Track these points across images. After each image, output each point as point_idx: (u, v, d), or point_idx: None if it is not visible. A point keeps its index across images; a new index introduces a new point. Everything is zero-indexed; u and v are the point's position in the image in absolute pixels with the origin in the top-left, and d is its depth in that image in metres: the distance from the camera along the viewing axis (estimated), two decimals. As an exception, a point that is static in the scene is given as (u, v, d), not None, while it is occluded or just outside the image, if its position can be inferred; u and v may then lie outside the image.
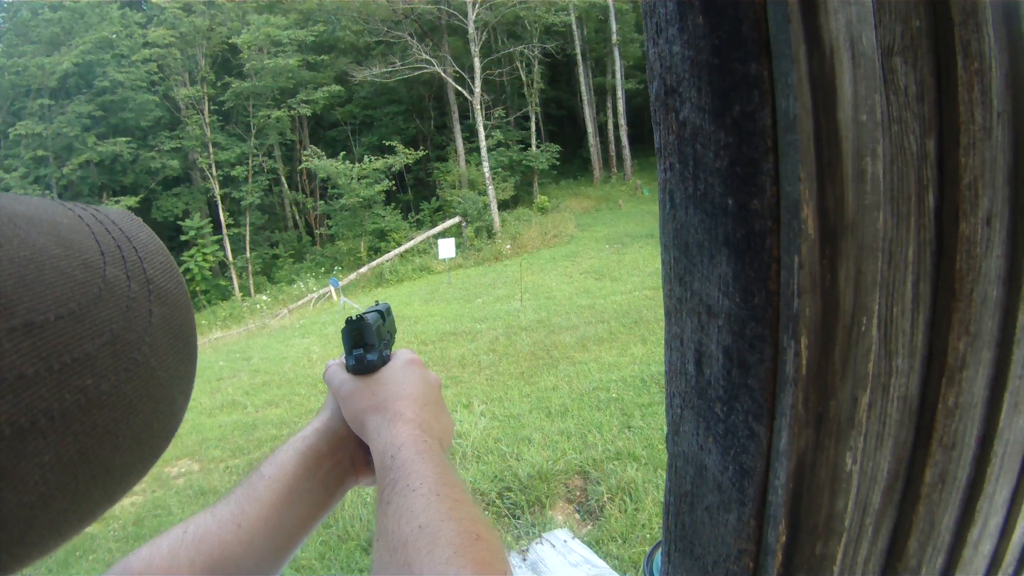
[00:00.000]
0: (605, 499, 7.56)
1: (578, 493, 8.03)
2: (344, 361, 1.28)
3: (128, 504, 10.14)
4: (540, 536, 5.41)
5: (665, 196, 0.93)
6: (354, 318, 1.25)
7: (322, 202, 47.01)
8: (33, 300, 0.53)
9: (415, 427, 1.08)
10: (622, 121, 49.61)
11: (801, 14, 0.70)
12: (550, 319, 17.10)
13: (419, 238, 37.42)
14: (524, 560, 5.09)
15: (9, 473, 0.51)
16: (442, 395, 1.27)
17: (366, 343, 1.24)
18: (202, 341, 28.41)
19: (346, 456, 1.22)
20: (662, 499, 7.13)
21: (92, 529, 9.23)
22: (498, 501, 7.92)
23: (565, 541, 5.27)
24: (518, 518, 7.56)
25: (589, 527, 7.20)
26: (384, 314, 1.40)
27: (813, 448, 0.80)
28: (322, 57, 47.70)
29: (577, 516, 7.58)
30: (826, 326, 0.76)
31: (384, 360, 1.26)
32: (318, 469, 1.18)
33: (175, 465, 11.71)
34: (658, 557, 2.45)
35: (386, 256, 36.16)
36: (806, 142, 0.71)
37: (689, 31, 0.81)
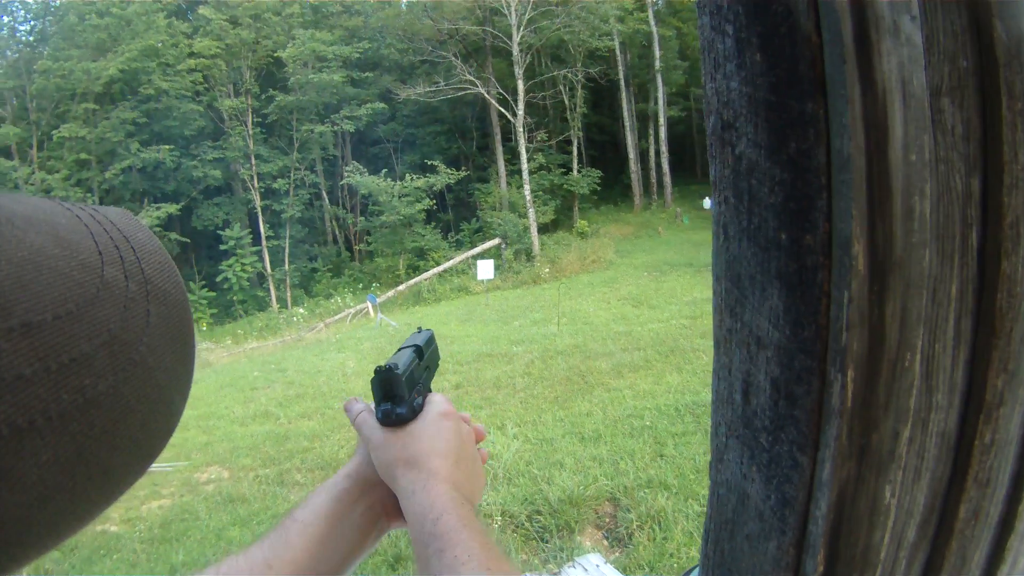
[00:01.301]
0: (634, 526, 7.53)
1: (607, 519, 8.00)
2: (371, 407, 1.27)
3: (156, 507, 10.20)
4: (573, 560, 5.39)
5: (719, 228, 0.94)
6: (384, 368, 1.21)
7: (362, 218, 47.19)
8: (31, 300, 0.53)
9: (451, 488, 1.07)
10: (663, 148, 49.53)
11: (856, 55, 0.71)
12: (586, 344, 17.04)
13: (458, 258, 37.48)
14: (556, 583, 5.07)
15: (7, 473, 0.51)
16: (475, 450, 1.26)
17: (395, 395, 1.21)
18: (237, 351, 28.59)
19: (378, 501, 1.21)
20: (692, 528, 7.11)
21: (118, 529, 9.29)
22: (527, 524, 7.89)
23: (597, 566, 5.25)
24: (546, 542, 7.54)
25: (617, 554, 7.17)
26: (423, 348, 1.37)
27: (854, 480, 0.80)
28: (366, 74, 48.00)
29: (605, 542, 7.55)
30: (872, 360, 0.76)
31: (415, 411, 1.23)
32: (351, 514, 1.18)
33: (205, 471, 11.76)
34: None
35: (425, 275, 36.24)
36: (859, 180, 0.72)
37: (747, 68, 0.83)
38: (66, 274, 0.58)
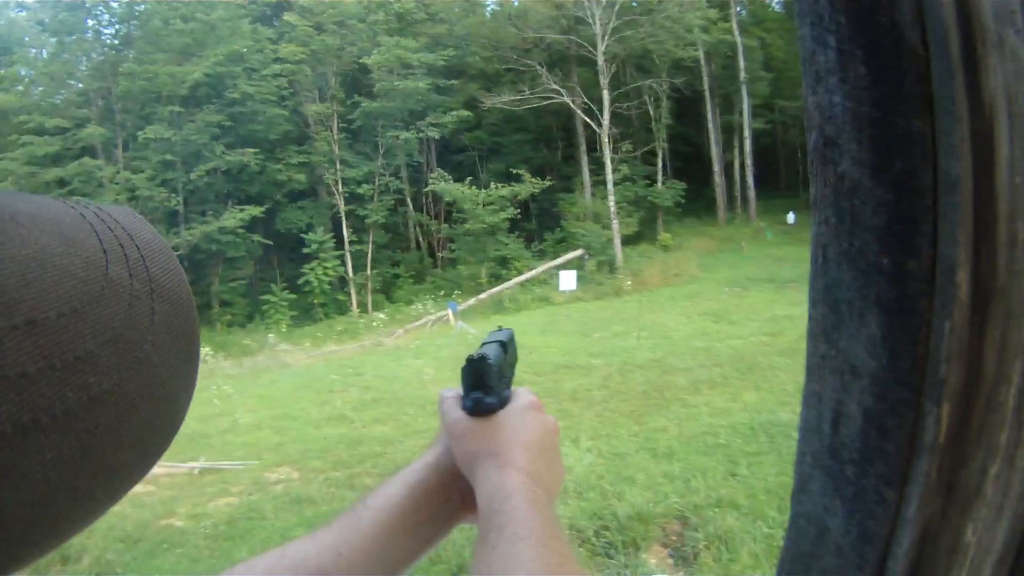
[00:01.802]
0: (701, 546, 7.51)
1: (674, 538, 7.98)
2: (459, 395, 1.24)
3: (224, 504, 10.38)
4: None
5: (818, 250, 0.91)
6: (476, 356, 1.20)
7: (446, 225, 47.57)
8: (35, 298, 0.53)
9: (526, 476, 1.06)
10: (748, 161, 49.34)
11: (964, 71, 0.68)
12: (665, 359, 17.04)
13: (541, 268, 37.62)
14: (621, 599, 5.05)
15: (11, 471, 0.51)
16: (558, 442, 1.23)
17: (485, 384, 1.19)
18: (316, 353, 29.00)
19: (456, 493, 1.19)
20: (759, 551, 7.05)
21: (182, 524, 9.45)
22: (593, 539, 7.90)
23: (664, 583, 5.22)
24: (612, 558, 7.54)
25: (681, 574, 7.14)
26: (506, 344, 1.36)
27: (939, 517, 0.78)
28: (451, 82, 48.42)
29: (670, 561, 7.52)
30: (967, 393, 0.74)
31: (503, 402, 1.21)
32: (427, 504, 1.16)
33: (275, 471, 11.96)
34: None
35: (507, 284, 36.46)
36: (966, 204, 0.69)
37: (850, 82, 0.79)
38: (70, 272, 0.58)
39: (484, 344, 1.31)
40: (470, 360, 1.20)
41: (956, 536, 0.78)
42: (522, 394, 1.26)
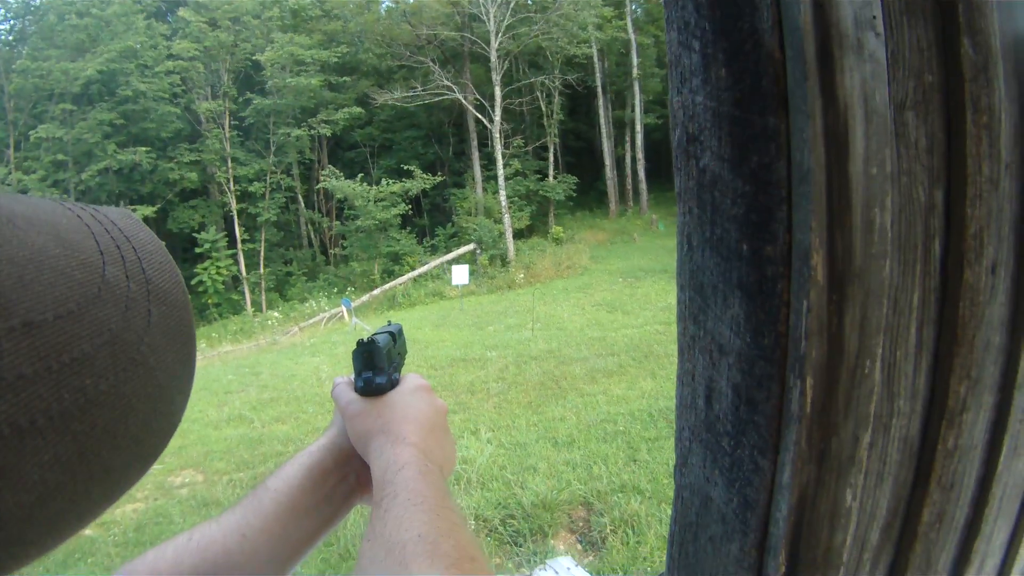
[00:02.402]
0: (608, 531, 7.53)
1: (581, 524, 8.00)
2: (353, 380, 1.29)
3: (130, 510, 10.11)
4: (544, 563, 5.39)
5: (683, 239, 0.96)
6: (365, 340, 1.26)
7: (338, 222, 46.98)
8: (32, 300, 0.53)
9: (418, 451, 1.08)
10: (640, 155, 49.54)
11: (818, 71, 0.73)
12: (560, 350, 17.02)
13: (433, 263, 37.31)
14: (528, 585, 5.08)
15: (8, 473, 0.51)
16: (447, 422, 1.27)
17: (376, 366, 1.25)
18: (212, 354, 28.38)
19: (352, 473, 1.23)
20: (665, 533, 7.11)
21: (92, 532, 9.21)
22: (501, 528, 7.89)
23: (568, 568, 5.26)
24: (520, 545, 7.53)
25: (590, 558, 7.17)
26: (396, 336, 1.41)
27: (815, 483, 0.82)
28: (344, 79, 47.82)
29: (579, 546, 7.54)
30: (831, 367, 0.78)
31: (393, 383, 1.26)
32: (324, 484, 1.19)
33: (179, 475, 11.67)
34: (659, 591, 2.47)
35: (400, 279, 36.06)
36: (818, 194, 0.74)
37: (712, 83, 0.84)
38: (67, 274, 0.58)
39: (374, 334, 1.34)
40: (360, 343, 1.25)
41: (835, 501, 0.83)
42: (412, 377, 1.30)
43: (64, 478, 0.56)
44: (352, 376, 1.29)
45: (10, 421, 0.51)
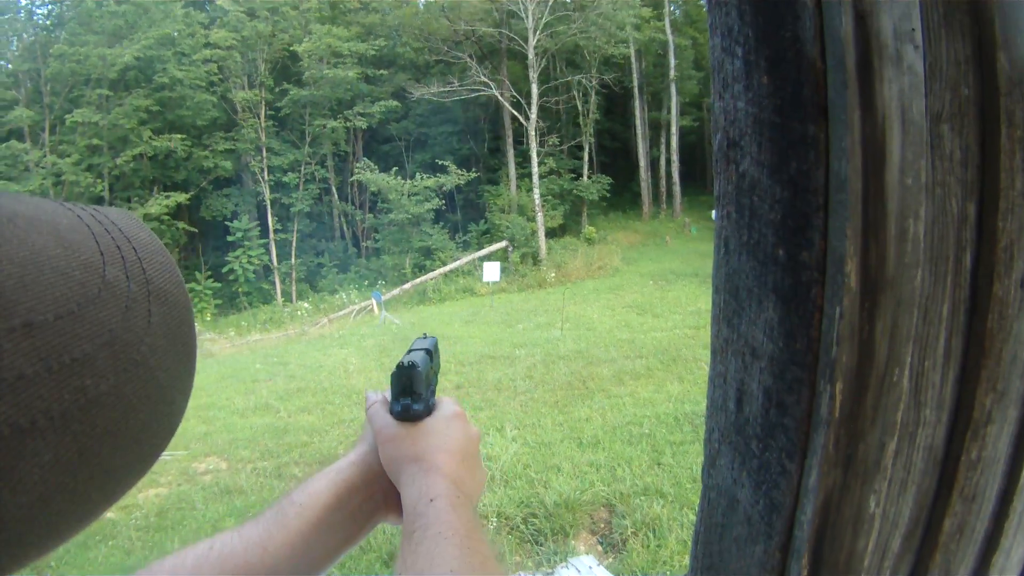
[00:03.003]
0: (629, 533, 7.53)
1: (603, 525, 8.00)
2: (387, 399, 1.28)
3: (153, 495, 10.17)
4: (566, 560, 5.40)
5: (720, 242, 0.97)
6: (406, 364, 1.23)
7: (371, 215, 46.94)
8: (32, 300, 0.53)
9: (449, 481, 1.08)
10: (675, 157, 49.40)
11: (858, 81, 0.74)
12: (589, 350, 17.00)
13: (465, 259, 37.35)
14: (549, 583, 5.09)
15: (8, 473, 0.51)
16: (479, 451, 1.26)
17: (414, 391, 1.23)
18: (240, 342, 28.53)
19: (379, 491, 1.21)
20: (686, 538, 7.10)
21: (113, 516, 9.27)
22: (522, 526, 7.90)
23: (590, 567, 5.26)
24: (541, 544, 7.54)
25: (611, 560, 7.17)
26: (432, 353, 1.39)
27: (840, 488, 0.83)
28: (381, 72, 47.82)
29: (599, 548, 7.55)
30: (860, 374, 0.79)
31: (429, 410, 1.25)
32: (350, 501, 1.18)
33: (203, 461, 11.73)
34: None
35: (431, 274, 36.12)
36: (855, 202, 0.75)
37: (754, 89, 0.85)
38: (68, 274, 0.58)
39: (410, 351, 1.33)
40: (400, 367, 1.23)
41: (859, 507, 0.83)
42: (447, 403, 1.29)
43: (64, 479, 0.56)
44: (386, 393, 1.29)
45: (10, 421, 0.51)
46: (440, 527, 0.94)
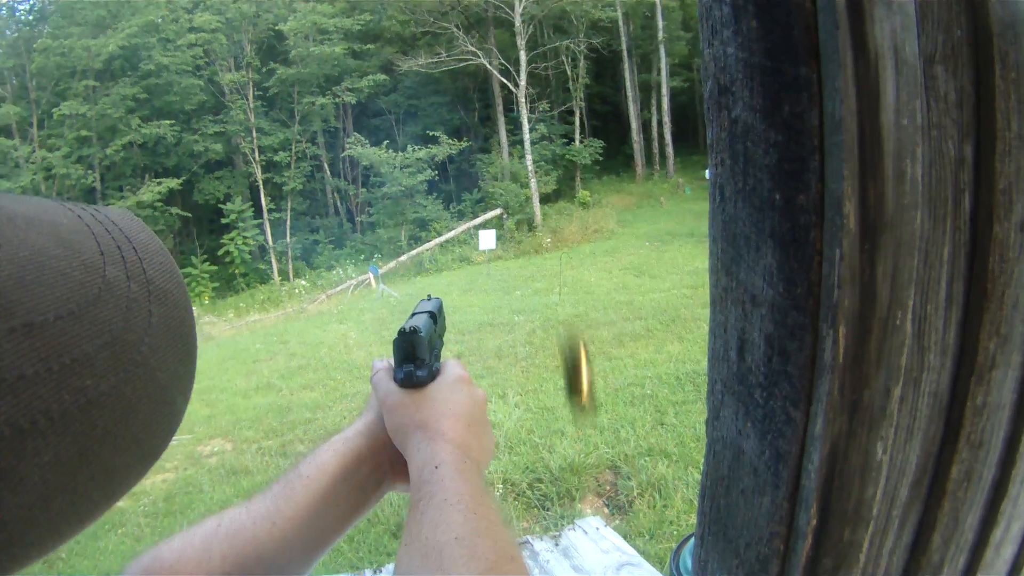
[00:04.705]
0: (635, 494, 7.57)
1: (608, 487, 8.04)
2: (391, 366, 1.26)
3: (160, 481, 10.20)
4: (573, 523, 5.41)
5: (715, 190, 0.96)
6: (408, 329, 1.22)
7: (364, 190, 46.96)
8: (33, 300, 0.53)
9: (455, 447, 1.07)
10: (666, 119, 49.21)
11: (849, 21, 0.73)
12: (588, 314, 17.02)
13: (460, 228, 37.33)
14: (556, 545, 5.09)
15: (8, 474, 0.51)
16: (486, 413, 1.25)
17: (417, 358, 1.21)
18: (240, 323, 28.58)
19: (386, 460, 1.22)
20: (692, 496, 7.14)
21: (122, 503, 9.30)
22: (528, 492, 7.94)
23: (597, 528, 5.26)
24: (547, 509, 7.58)
25: (617, 521, 7.20)
26: (436, 315, 1.37)
27: (846, 435, 0.82)
28: (368, 46, 47.62)
29: (606, 510, 7.59)
30: (863, 317, 0.78)
31: (433, 375, 1.23)
32: (357, 471, 1.19)
33: (208, 444, 11.78)
34: (685, 553, 2.47)
35: (426, 245, 36.11)
36: (850, 143, 0.74)
37: (743, 34, 0.84)
38: (68, 274, 0.58)
39: (414, 315, 1.32)
40: (402, 333, 1.22)
41: (867, 454, 0.83)
42: (452, 366, 1.28)
43: (65, 479, 0.56)
44: (391, 360, 1.27)
45: (10, 422, 0.51)
46: (446, 494, 0.94)
